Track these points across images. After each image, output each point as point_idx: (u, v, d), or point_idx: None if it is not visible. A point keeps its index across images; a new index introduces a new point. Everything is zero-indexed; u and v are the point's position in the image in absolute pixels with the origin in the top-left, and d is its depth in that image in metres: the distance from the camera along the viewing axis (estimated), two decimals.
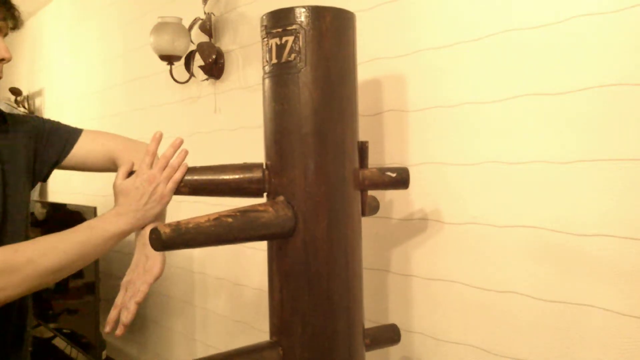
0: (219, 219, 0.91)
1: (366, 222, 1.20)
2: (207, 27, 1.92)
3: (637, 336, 0.96)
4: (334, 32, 0.98)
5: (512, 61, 1.12)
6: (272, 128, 1.01)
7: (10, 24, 1.03)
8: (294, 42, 0.97)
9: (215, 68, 1.92)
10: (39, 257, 0.90)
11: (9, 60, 1.03)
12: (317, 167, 0.97)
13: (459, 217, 1.23)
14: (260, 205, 0.97)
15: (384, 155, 1.37)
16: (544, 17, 1.07)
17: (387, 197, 1.37)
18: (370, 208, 1.27)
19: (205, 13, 1.94)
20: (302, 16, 0.97)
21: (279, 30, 0.98)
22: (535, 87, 1.09)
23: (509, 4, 1.12)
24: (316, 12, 0.97)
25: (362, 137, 1.06)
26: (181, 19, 2.00)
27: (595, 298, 1.01)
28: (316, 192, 0.97)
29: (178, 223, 0.88)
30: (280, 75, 0.99)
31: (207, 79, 2.02)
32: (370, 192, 1.21)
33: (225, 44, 1.94)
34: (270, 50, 1.00)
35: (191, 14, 1.99)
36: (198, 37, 1.98)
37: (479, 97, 1.18)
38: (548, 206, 1.07)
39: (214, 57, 1.88)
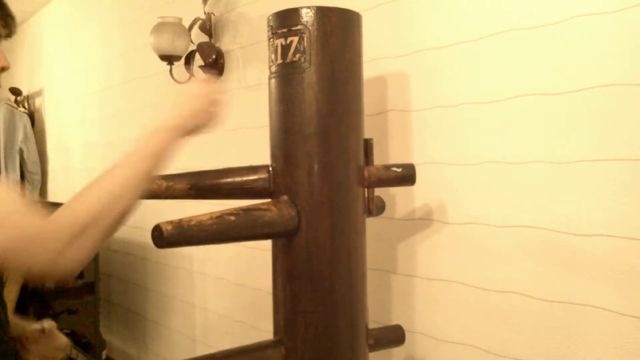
0: (221, 217, 0.91)
1: (368, 222, 1.19)
2: (207, 27, 1.92)
3: (636, 336, 0.96)
4: (339, 32, 0.98)
5: (513, 61, 1.12)
6: (277, 128, 1.01)
7: (4, 32, 1.00)
8: (299, 42, 0.97)
9: (215, 68, 1.92)
10: (109, 200, 0.75)
11: (7, 68, 0.99)
12: (321, 167, 0.98)
13: (460, 217, 1.23)
14: (263, 204, 0.97)
15: (386, 155, 1.37)
16: (544, 17, 1.07)
17: (387, 197, 1.37)
18: (376, 208, 1.27)
19: (205, 13, 1.94)
20: (307, 16, 0.97)
21: (284, 30, 0.99)
22: (535, 87, 1.09)
23: (510, 4, 1.12)
24: (321, 13, 0.97)
25: (365, 136, 1.06)
26: (181, 19, 1.99)
27: (595, 298, 1.01)
28: (319, 191, 0.97)
29: (180, 220, 0.88)
30: (285, 75, 0.99)
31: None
32: (377, 191, 1.21)
33: (225, 44, 1.94)
34: (275, 51, 1.00)
35: (191, 14, 1.99)
36: (198, 37, 1.98)
37: (479, 97, 1.18)
38: (548, 206, 1.07)
39: (214, 57, 1.88)
